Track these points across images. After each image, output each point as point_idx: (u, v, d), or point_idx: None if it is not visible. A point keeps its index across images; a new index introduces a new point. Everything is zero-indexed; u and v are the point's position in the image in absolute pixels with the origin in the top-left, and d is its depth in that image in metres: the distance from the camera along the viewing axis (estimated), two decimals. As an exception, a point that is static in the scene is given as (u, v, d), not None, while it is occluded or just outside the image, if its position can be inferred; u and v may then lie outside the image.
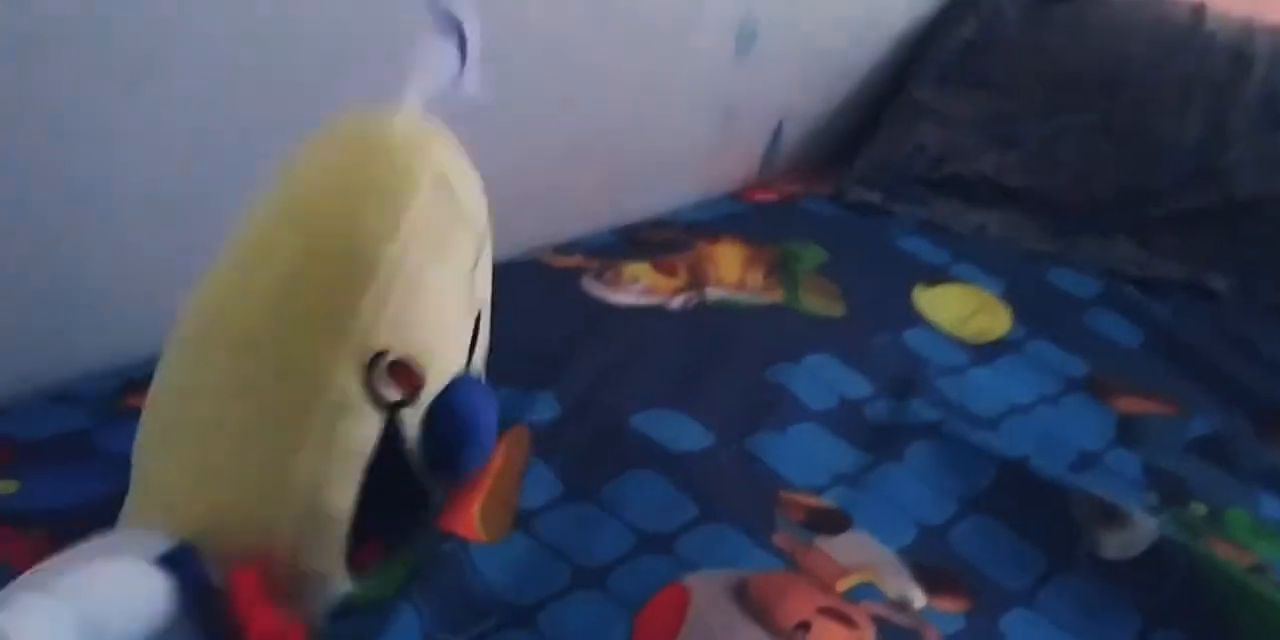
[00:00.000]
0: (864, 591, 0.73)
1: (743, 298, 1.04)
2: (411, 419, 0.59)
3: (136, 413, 0.61)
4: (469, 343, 0.63)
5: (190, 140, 0.80)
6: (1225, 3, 1.42)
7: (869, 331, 1.02)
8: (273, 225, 0.57)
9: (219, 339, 0.57)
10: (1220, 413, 1.02)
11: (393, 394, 0.56)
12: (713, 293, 1.03)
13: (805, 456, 0.84)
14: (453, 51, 0.60)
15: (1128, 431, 0.97)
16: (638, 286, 1.02)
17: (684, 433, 0.83)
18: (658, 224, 1.17)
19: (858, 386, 0.95)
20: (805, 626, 0.67)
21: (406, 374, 0.56)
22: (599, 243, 1.11)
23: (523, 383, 0.84)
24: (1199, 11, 1.40)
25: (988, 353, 1.05)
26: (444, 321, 0.60)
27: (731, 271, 1.08)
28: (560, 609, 0.68)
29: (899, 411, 0.92)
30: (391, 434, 0.58)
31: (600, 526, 0.74)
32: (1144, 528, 0.80)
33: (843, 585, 0.73)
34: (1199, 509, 0.88)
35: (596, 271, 1.03)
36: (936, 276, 1.15)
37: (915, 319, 1.07)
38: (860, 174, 1.34)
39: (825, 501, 0.80)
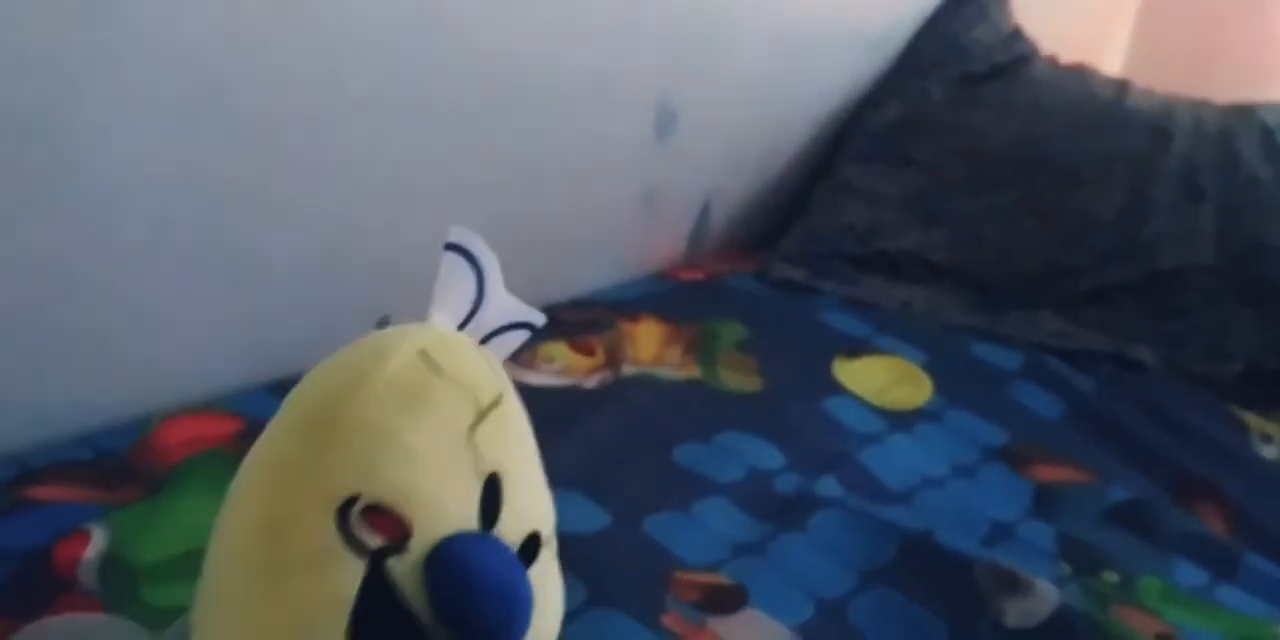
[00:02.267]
0: (756, 671, 0.71)
1: (660, 373, 1.04)
2: (403, 567, 0.56)
3: (31, 503, 0.59)
4: (478, 502, 0.60)
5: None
6: (1148, 79, 1.46)
7: (785, 403, 1.02)
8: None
9: (225, 520, 0.56)
10: (1139, 481, 1.01)
11: (374, 540, 0.55)
12: (628, 370, 1.03)
13: (704, 533, 0.83)
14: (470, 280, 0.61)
15: (1043, 501, 0.97)
16: (553, 367, 1.02)
17: (581, 515, 0.82)
18: (579, 304, 1.17)
19: (770, 458, 0.94)
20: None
21: (387, 520, 0.54)
22: (518, 324, 1.10)
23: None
24: (1122, 87, 1.43)
25: (906, 421, 1.05)
26: (427, 473, 0.58)
27: (649, 349, 1.08)
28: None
29: (808, 483, 0.91)
30: (381, 583, 0.56)
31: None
32: (1047, 596, 0.79)
33: (735, 663, 0.71)
34: (1111, 577, 0.87)
35: (514, 357, 1.03)
36: (858, 349, 1.15)
37: (835, 389, 1.07)
38: (786, 252, 1.36)
39: (722, 577, 0.79)
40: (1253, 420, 1.15)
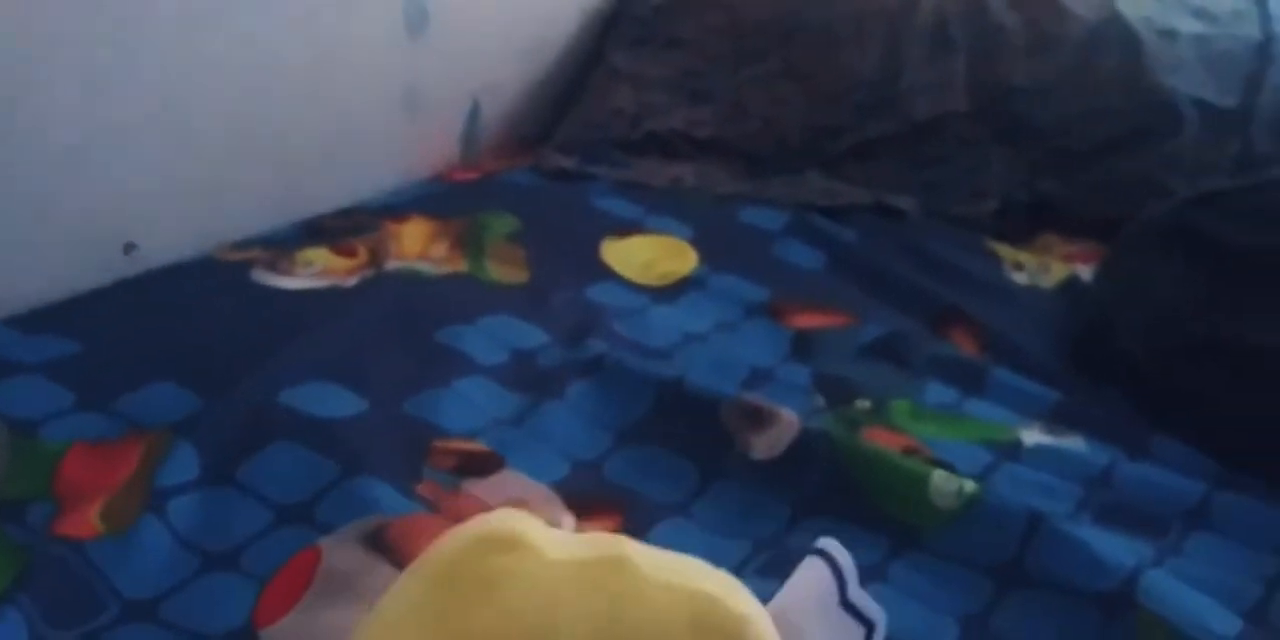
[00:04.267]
0: (510, 524, 0.73)
1: (423, 267, 1.04)
2: None
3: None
4: None
5: None
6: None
7: (550, 291, 1.03)
8: None
9: None
10: (895, 318, 1.06)
11: None
12: (391, 266, 1.03)
13: (465, 406, 0.84)
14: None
15: (801, 345, 1.00)
16: (311, 270, 1.01)
17: (336, 402, 0.83)
18: (344, 212, 1.16)
19: (532, 338, 0.96)
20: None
21: None
22: (278, 235, 1.09)
23: (179, 378, 0.83)
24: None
25: (670, 293, 1.07)
26: None
27: (415, 246, 1.08)
28: (185, 596, 0.67)
29: (570, 353, 0.93)
30: None
31: (235, 506, 0.73)
32: (790, 423, 0.82)
33: (488, 520, 0.73)
34: (863, 404, 0.92)
35: (269, 262, 1.02)
36: (628, 230, 1.17)
37: (601, 274, 1.08)
38: (559, 142, 1.36)
39: (479, 444, 0.81)
40: (1006, 251, 1.21)
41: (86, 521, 0.70)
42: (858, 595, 0.56)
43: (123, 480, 0.73)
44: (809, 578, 0.57)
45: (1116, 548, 0.73)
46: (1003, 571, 0.73)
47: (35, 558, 0.67)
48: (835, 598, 0.56)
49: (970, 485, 0.77)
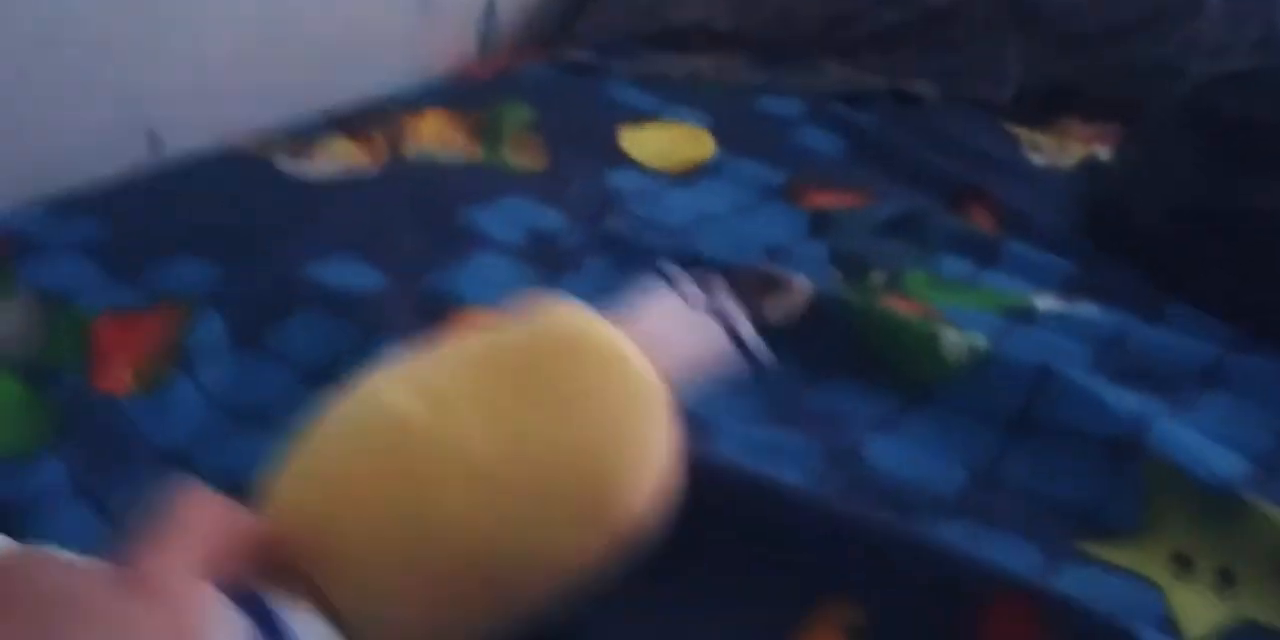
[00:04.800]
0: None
1: (441, 155, 1.05)
2: None
3: None
4: None
5: None
6: None
7: (569, 177, 1.04)
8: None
9: None
10: (913, 197, 1.06)
11: None
12: (410, 154, 1.04)
13: (484, 279, 0.86)
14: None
15: (818, 225, 1.01)
16: (332, 158, 1.02)
17: (358, 275, 0.84)
18: (363, 107, 1.17)
19: (551, 219, 0.97)
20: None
21: None
22: (298, 126, 1.10)
23: (205, 254, 0.85)
24: None
25: (687, 178, 1.08)
26: None
27: (433, 136, 1.09)
28: (216, 448, 0.70)
29: (588, 233, 0.94)
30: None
31: (262, 368, 0.75)
32: (802, 288, 0.83)
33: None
34: (878, 277, 0.92)
35: (291, 151, 1.03)
36: (645, 119, 1.17)
37: (619, 160, 1.09)
38: (576, 37, 1.36)
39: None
40: (1024, 133, 1.20)
41: (120, 379, 0.72)
42: (724, 301, 0.65)
43: (154, 343, 0.75)
44: (655, 295, 0.65)
45: (1126, 399, 0.74)
46: (1012, 422, 0.74)
47: (73, 411, 0.69)
48: (701, 301, 0.63)
49: (981, 341, 0.78)
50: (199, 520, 0.49)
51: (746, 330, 0.63)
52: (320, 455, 0.55)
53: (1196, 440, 0.71)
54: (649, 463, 0.56)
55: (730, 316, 0.62)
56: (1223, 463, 0.70)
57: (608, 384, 0.57)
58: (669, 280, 0.64)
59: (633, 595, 0.60)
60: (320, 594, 0.52)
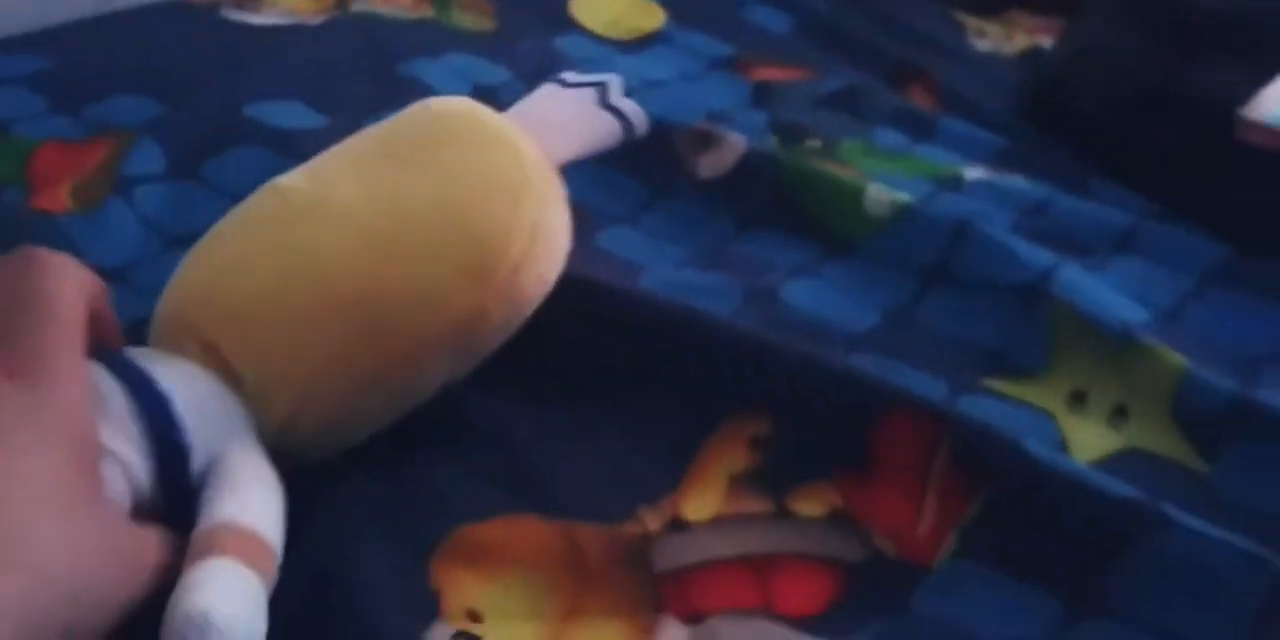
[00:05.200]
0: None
1: (387, 10, 1.05)
2: None
3: None
4: None
5: None
6: None
7: (517, 38, 1.05)
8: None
9: None
10: (856, 75, 1.07)
11: None
12: (357, 7, 1.04)
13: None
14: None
15: (760, 95, 1.02)
16: (278, 9, 1.02)
17: (299, 117, 0.85)
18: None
19: (495, 75, 0.97)
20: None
21: None
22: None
23: (148, 90, 0.85)
24: None
25: (635, 46, 1.08)
26: None
27: (379, -5, 1.09)
28: (151, 267, 0.71)
29: (531, 89, 0.95)
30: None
31: (198, 197, 0.76)
32: (735, 144, 0.85)
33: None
34: (814, 143, 0.94)
35: (237, 3, 1.03)
36: (596, -13, 1.17)
37: (568, 26, 1.09)
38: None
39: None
40: (971, 21, 1.22)
41: (58, 198, 0.73)
42: (618, 98, 0.69)
43: (91, 168, 0.76)
44: (553, 88, 0.70)
45: (1040, 253, 0.77)
46: (928, 272, 0.77)
47: (10, 226, 0.70)
48: (592, 98, 0.64)
49: (903, 196, 0.80)
50: (62, 287, 0.47)
51: (629, 106, 0.70)
52: (212, 238, 0.57)
53: (1102, 289, 0.74)
54: (539, 229, 0.58)
55: (620, 107, 0.66)
56: (1125, 310, 0.73)
57: (494, 161, 0.59)
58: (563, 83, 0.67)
59: (544, 410, 0.63)
60: (218, 356, 0.53)
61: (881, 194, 0.80)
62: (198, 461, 0.50)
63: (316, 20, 1.01)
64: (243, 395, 0.53)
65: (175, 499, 0.49)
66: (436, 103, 0.66)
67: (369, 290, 0.54)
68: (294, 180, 0.60)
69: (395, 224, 0.56)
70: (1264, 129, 0.88)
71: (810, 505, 0.59)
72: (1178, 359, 0.68)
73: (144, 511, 0.48)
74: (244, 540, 0.47)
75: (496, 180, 0.59)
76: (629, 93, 0.98)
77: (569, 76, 0.71)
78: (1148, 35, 1.04)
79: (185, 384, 0.51)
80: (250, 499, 0.49)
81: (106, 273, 0.70)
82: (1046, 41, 1.19)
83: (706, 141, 0.86)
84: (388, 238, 0.55)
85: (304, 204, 0.57)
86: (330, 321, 0.54)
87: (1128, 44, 1.05)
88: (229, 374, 0.53)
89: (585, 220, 0.80)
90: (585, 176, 0.86)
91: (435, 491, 0.59)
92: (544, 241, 0.59)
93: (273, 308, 0.54)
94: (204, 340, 0.53)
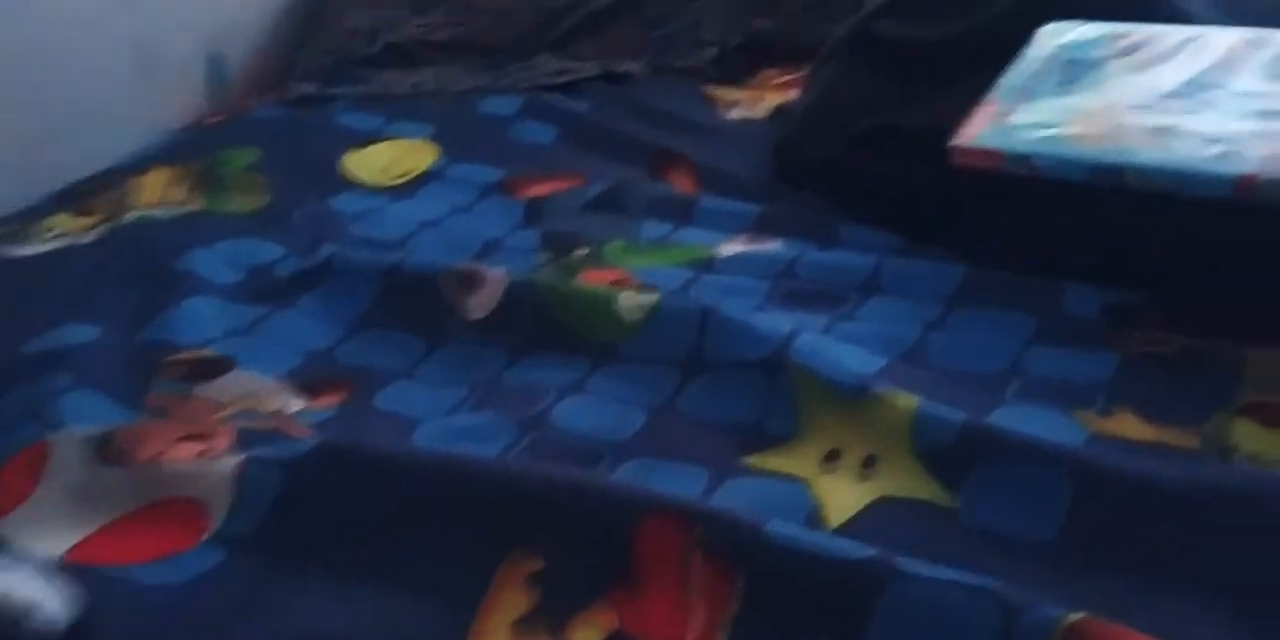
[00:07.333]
0: (242, 416, 0.80)
1: (159, 213, 1.09)
2: None
3: None
4: None
5: None
6: None
7: (290, 210, 1.08)
8: None
9: None
10: (620, 172, 1.13)
11: None
12: (128, 217, 1.08)
13: (195, 321, 0.89)
14: None
15: (531, 213, 1.07)
16: (51, 235, 1.06)
17: (71, 335, 0.87)
18: (93, 177, 1.20)
19: (269, 253, 1.01)
20: (159, 455, 0.74)
21: None
22: (28, 209, 1.13)
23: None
24: None
25: (408, 189, 1.13)
26: None
27: (154, 195, 1.13)
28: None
29: (303, 261, 0.99)
30: None
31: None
32: (496, 281, 0.90)
33: (219, 416, 0.80)
34: (581, 252, 0.99)
35: (13, 235, 1.06)
36: (367, 140, 1.22)
37: (341, 185, 1.14)
38: (301, 70, 1.41)
39: (210, 352, 0.87)
40: (721, 94, 1.28)
41: None
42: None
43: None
44: None
45: (778, 322, 0.82)
46: (685, 363, 0.81)
47: None
48: None
49: (651, 297, 0.85)
50: None
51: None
52: None
53: (833, 346, 0.79)
54: None
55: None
56: (860, 363, 0.78)
57: None
58: None
59: (327, 575, 0.66)
60: None
61: (632, 299, 0.85)
62: None
63: (89, 238, 1.05)
64: None
65: None
66: None
67: None
68: None
69: None
70: (975, 151, 0.93)
71: (588, 633, 0.62)
72: (908, 400, 0.72)
73: None
74: None
75: None
76: (403, 241, 1.04)
77: None
78: (878, 75, 1.10)
79: None
80: None
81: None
82: (794, 96, 1.25)
83: (471, 282, 0.90)
84: None
85: None
86: None
87: (859, 85, 1.11)
88: None
89: (364, 384, 0.85)
90: (365, 341, 0.90)
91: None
92: None
93: None
94: None
